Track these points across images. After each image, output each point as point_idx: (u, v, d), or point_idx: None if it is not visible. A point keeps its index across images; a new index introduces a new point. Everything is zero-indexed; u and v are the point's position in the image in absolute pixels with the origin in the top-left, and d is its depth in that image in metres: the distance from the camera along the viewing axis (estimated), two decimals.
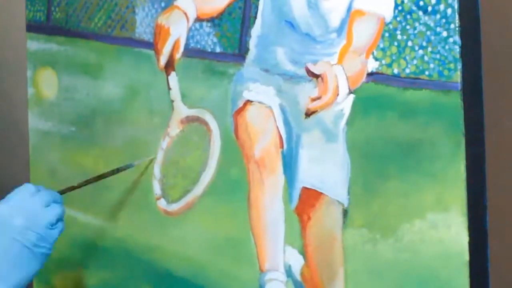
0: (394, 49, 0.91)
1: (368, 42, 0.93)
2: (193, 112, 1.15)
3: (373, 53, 0.93)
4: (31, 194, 1.09)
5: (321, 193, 0.98)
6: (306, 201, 1.00)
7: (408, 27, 0.90)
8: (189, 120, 1.15)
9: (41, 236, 1.06)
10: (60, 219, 1.09)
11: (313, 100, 0.97)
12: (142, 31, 1.22)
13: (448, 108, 0.86)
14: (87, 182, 1.20)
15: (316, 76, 0.97)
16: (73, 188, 1.19)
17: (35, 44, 1.43)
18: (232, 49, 1.10)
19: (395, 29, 0.91)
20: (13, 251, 1.04)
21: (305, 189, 1.00)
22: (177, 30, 1.16)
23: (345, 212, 0.95)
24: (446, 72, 0.86)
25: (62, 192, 1.14)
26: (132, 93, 1.24)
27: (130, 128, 1.24)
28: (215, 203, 1.11)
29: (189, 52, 1.15)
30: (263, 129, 1.05)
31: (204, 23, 1.13)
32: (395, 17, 0.91)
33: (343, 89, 0.95)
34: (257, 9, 1.06)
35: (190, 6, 1.14)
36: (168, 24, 1.17)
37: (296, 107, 1.01)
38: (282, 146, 1.03)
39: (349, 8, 0.95)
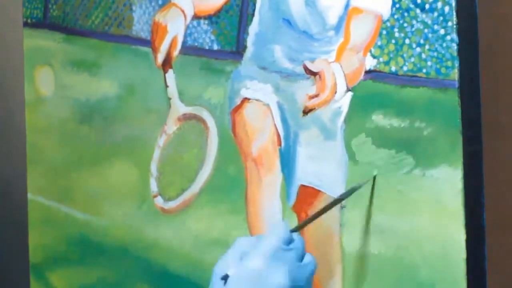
0: (391, 47, 0.91)
1: (365, 40, 0.93)
2: (190, 109, 1.15)
3: (370, 51, 0.93)
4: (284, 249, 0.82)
5: (319, 190, 0.98)
6: (304, 199, 1.00)
7: (405, 24, 0.90)
8: (186, 117, 1.15)
9: None
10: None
11: (311, 98, 0.97)
12: (140, 28, 1.22)
13: (446, 106, 0.86)
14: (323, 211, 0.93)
15: (314, 74, 0.97)
16: (305, 224, 0.93)
17: (32, 41, 1.43)
18: (230, 47, 1.10)
19: (393, 27, 0.91)
20: None
21: (303, 186, 1.00)
22: (174, 27, 1.16)
23: (343, 210, 0.95)
24: (443, 70, 0.86)
25: (294, 230, 0.86)
26: (130, 91, 1.24)
27: (127, 125, 1.24)
28: (213, 201, 1.11)
29: (186, 49, 1.15)
30: (260, 127, 1.05)
31: (202, 21, 1.13)
32: (392, 14, 0.91)
33: (341, 86, 0.95)
34: (255, 7, 1.06)
35: (188, 4, 1.14)
36: (166, 21, 1.17)
37: (293, 104, 1.01)
38: (280, 144, 1.03)
39: (346, 6, 0.95)
